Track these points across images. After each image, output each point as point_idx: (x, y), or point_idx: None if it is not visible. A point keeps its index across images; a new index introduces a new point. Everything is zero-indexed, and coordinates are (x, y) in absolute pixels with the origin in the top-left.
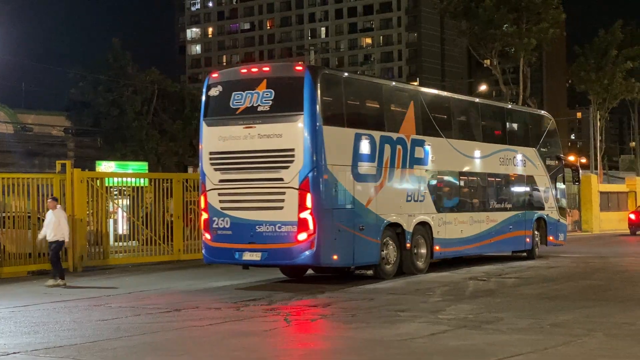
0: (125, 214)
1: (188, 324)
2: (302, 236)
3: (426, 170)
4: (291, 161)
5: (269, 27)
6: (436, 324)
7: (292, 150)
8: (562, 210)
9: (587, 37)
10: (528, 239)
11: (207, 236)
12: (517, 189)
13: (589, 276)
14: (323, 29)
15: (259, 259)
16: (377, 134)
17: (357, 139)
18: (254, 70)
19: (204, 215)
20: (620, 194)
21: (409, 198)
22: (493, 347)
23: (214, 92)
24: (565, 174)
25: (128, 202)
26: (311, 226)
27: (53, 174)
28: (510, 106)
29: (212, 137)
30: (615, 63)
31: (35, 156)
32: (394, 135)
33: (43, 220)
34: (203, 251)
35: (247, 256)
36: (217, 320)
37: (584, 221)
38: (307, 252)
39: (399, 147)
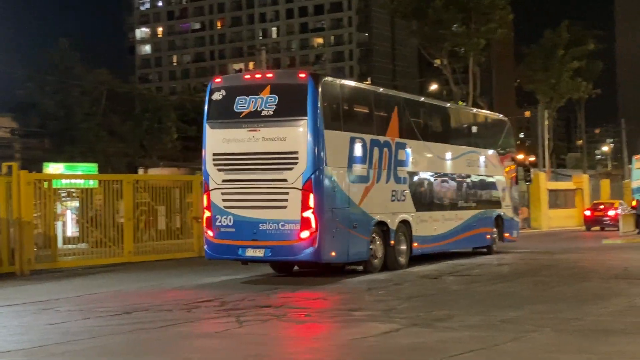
0: (74, 216)
1: (138, 327)
2: (305, 234)
3: (407, 172)
4: (295, 163)
5: (219, 27)
6: (389, 322)
7: (296, 152)
8: (515, 209)
9: (534, 38)
10: (489, 236)
11: (210, 233)
12: (481, 188)
13: (538, 272)
14: (274, 28)
15: (262, 255)
16: (367, 138)
17: (352, 142)
18: (258, 76)
19: (207, 213)
20: (567, 192)
21: (393, 198)
22: (445, 344)
23: (217, 96)
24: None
25: (77, 204)
26: (313, 224)
27: None
28: (475, 111)
29: (216, 139)
30: (562, 63)
31: None
32: (382, 139)
33: None
34: (205, 247)
35: (250, 252)
36: (168, 322)
37: (533, 218)
38: (309, 249)
39: (385, 149)
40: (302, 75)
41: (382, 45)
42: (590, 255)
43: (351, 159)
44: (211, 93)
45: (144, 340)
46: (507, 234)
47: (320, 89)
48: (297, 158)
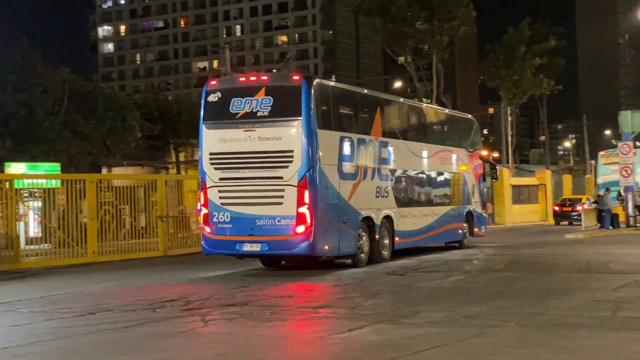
0: (37, 217)
1: (102, 327)
2: (300, 229)
3: (389, 169)
4: (290, 161)
5: (183, 25)
6: (354, 319)
7: (291, 151)
8: (484, 204)
9: (497, 35)
10: (460, 231)
11: (207, 229)
12: (453, 185)
13: (504, 268)
14: (238, 26)
15: (259, 249)
16: (355, 137)
17: (341, 141)
18: (252, 79)
19: (204, 210)
20: (531, 187)
21: (377, 194)
22: (410, 340)
23: (213, 98)
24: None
25: (39, 204)
26: (308, 220)
27: None
28: (447, 111)
29: (213, 139)
30: (524, 59)
31: None
32: (367, 138)
33: None
34: (202, 243)
35: (247, 247)
36: (132, 323)
37: (497, 214)
38: (304, 243)
39: (370, 148)
40: (296, 77)
41: (346, 42)
42: (553, 249)
43: (341, 157)
44: (207, 95)
45: (108, 341)
46: (476, 229)
47: (313, 91)
48: (292, 156)
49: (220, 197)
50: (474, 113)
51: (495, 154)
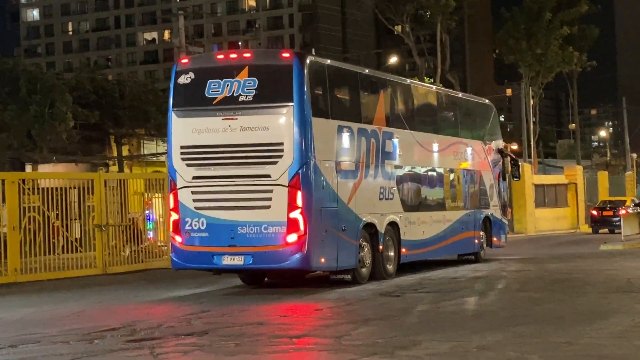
0: None
1: None
2: (292, 238)
3: (395, 166)
4: (279, 156)
5: None
6: (339, 351)
7: (281, 144)
8: (504, 208)
9: None
10: (477, 241)
11: (178, 239)
12: (468, 185)
13: (524, 286)
14: None
15: (241, 263)
16: (355, 126)
17: (339, 131)
18: (233, 56)
19: (174, 216)
20: (558, 187)
21: (381, 196)
22: None
23: (185, 79)
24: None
25: None
26: (302, 227)
27: None
28: (461, 95)
29: (184, 130)
30: (549, 29)
31: None
32: (369, 128)
33: None
34: (172, 255)
35: (228, 260)
36: (63, 358)
37: (516, 220)
38: (296, 255)
39: (372, 140)
40: (286, 54)
41: (329, 8)
42: (586, 264)
43: (339, 151)
44: (177, 76)
45: None
46: (495, 239)
47: (306, 71)
48: (282, 150)
49: (194, 200)
50: (488, 95)
51: (514, 146)
